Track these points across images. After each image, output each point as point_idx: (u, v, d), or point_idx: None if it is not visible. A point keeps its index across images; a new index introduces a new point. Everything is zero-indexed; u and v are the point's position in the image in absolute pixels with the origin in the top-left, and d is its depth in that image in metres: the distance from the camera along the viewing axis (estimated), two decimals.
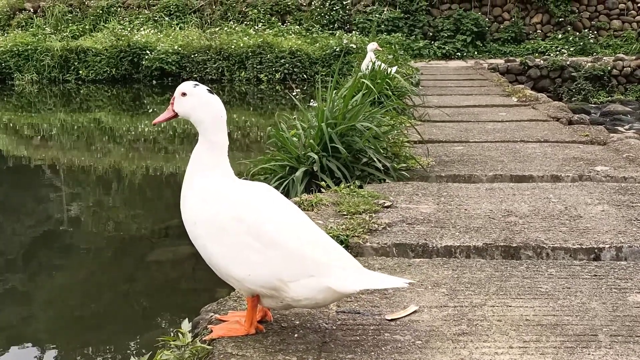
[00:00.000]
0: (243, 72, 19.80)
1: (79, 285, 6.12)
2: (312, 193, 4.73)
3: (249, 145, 11.53)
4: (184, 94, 2.65)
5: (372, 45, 10.98)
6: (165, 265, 6.28)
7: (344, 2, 22.51)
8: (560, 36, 22.10)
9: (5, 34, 22.53)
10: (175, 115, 2.69)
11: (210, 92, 2.65)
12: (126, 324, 5.26)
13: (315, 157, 5.12)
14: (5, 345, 4.89)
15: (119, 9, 23.31)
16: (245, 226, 2.45)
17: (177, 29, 21.98)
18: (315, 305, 2.53)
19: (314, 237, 2.51)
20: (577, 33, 22.03)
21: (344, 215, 4.12)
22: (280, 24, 22.38)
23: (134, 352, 4.61)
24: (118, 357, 4.70)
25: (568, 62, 17.84)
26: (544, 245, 3.60)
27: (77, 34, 22.33)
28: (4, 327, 5.20)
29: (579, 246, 3.59)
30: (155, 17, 22.86)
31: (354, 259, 2.54)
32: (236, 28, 21.64)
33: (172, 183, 9.40)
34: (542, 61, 18.11)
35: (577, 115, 9.17)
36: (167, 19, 22.70)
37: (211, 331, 2.61)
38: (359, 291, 2.43)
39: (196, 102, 2.62)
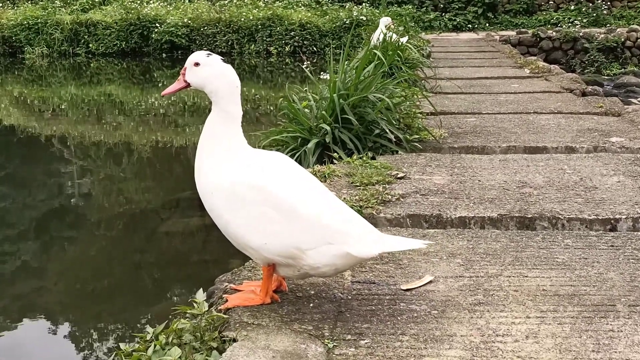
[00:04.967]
0: (252, 45, 19.69)
1: (92, 257, 6.14)
2: (325, 164, 4.71)
3: (259, 118, 11.48)
4: (197, 64, 2.61)
5: (387, 20, 10.46)
6: (177, 237, 6.29)
7: None
8: (572, 7, 21.83)
9: (16, 8, 22.43)
10: (187, 85, 2.65)
11: (224, 61, 2.62)
12: (139, 296, 5.27)
13: (328, 128, 5.09)
14: (19, 317, 4.92)
15: None
16: (263, 195, 2.43)
17: (187, 1, 21.84)
18: (335, 272, 2.52)
19: (331, 204, 2.50)
20: (590, 4, 21.74)
21: (357, 186, 4.10)
22: None
23: (148, 323, 4.63)
24: (131, 328, 4.72)
25: (581, 34, 17.62)
26: (560, 216, 3.58)
27: (87, 7, 22.20)
28: (18, 300, 5.23)
29: (595, 217, 3.56)
30: None
31: (371, 225, 2.53)
32: (245, 0, 21.47)
33: (183, 155, 9.39)
34: (554, 33, 17.89)
35: (591, 86, 9.07)
36: None
37: (226, 301, 2.61)
38: (378, 254, 2.42)
39: (210, 72, 2.58)
